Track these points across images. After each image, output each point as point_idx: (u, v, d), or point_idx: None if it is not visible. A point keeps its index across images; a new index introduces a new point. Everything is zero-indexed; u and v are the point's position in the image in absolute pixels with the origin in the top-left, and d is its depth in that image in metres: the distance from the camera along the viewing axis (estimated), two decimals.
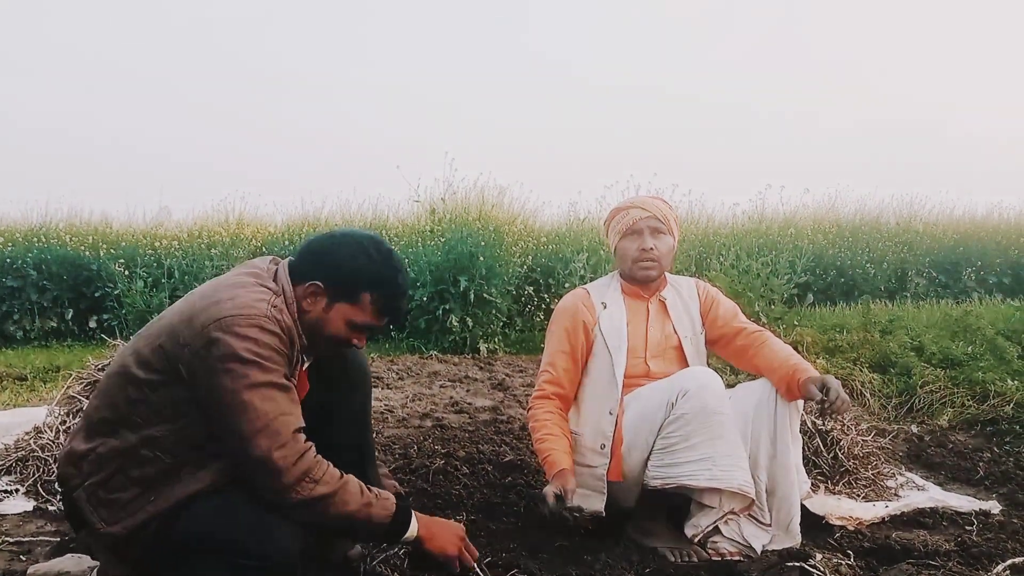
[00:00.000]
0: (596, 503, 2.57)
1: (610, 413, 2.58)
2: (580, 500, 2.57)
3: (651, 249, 2.66)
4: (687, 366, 2.67)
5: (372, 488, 1.92)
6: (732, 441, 2.40)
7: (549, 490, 2.43)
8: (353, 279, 1.96)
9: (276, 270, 1.98)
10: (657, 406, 2.44)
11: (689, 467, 2.39)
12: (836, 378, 2.50)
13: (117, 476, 1.83)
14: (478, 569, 2.11)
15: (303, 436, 1.83)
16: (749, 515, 2.49)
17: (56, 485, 2.95)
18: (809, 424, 3.26)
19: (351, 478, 1.89)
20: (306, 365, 2.07)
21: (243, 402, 1.74)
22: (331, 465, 1.86)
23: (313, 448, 1.84)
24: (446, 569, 2.04)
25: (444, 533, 2.03)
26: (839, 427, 3.39)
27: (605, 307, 2.71)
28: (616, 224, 2.76)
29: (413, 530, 1.95)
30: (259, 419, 1.75)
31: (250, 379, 1.75)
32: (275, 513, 1.81)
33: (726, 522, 2.46)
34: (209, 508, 1.82)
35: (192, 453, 1.85)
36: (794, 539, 2.48)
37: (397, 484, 2.43)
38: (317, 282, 1.94)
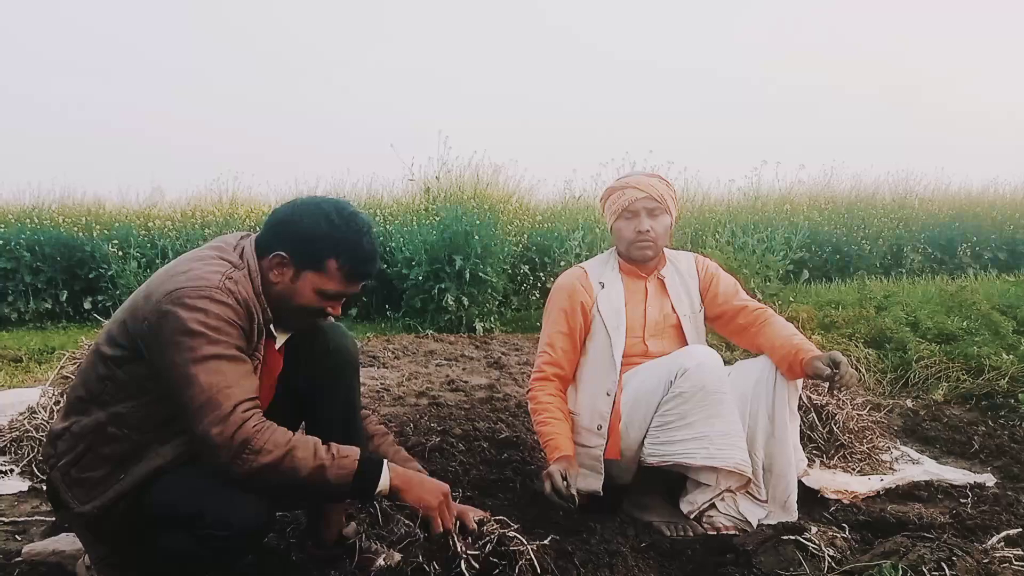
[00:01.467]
0: (593, 482, 2.57)
1: (607, 394, 2.56)
2: (578, 480, 2.58)
3: (647, 231, 2.61)
4: (686, 345, 2.66)
5: (332, 447, 1.82)
6: (730, 420, 2.39)
7: (554, 470, 2.42)
8: (316, 246, 1.90)
9: (244, 245, 1.94)
10: (656, 384, 2.43)
11: (685, 445, 2.39)
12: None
13: (88, 455, 1.82)
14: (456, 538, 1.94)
15: (246, 407, 1.75)
16: (746, 492, 2.49)
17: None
18: (804, 399, 3.26)
19: (302, 440, 1.79)
20: (280, 343, 2.04)
21: (188, 376, 1.71)
22: (278, 431, 1.77)
23: (255, 416, 1.76)
24: (429, 527, 1.92)
25: (424, 484, 1.94)
26: (834, 402, 3.39)
27: (603, 287, 2.68)
28: (612, 204, 2.70)
29: (385, 483, 1.85)
30: (202, 393, 1.71)
31: (196, 352, 1.72)
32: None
33: (722, 498, 2.46)
34: (173, 482, 1.81)
35: (157, 429, 1.84)
36: (791, 515, 2.48)
37: (410, 457, 2.32)
38: (281, 252, 1.90)
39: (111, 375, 1.82)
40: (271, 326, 1.97)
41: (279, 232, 1.93)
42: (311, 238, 1.90)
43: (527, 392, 2.73)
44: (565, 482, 2.40)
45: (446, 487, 1.98)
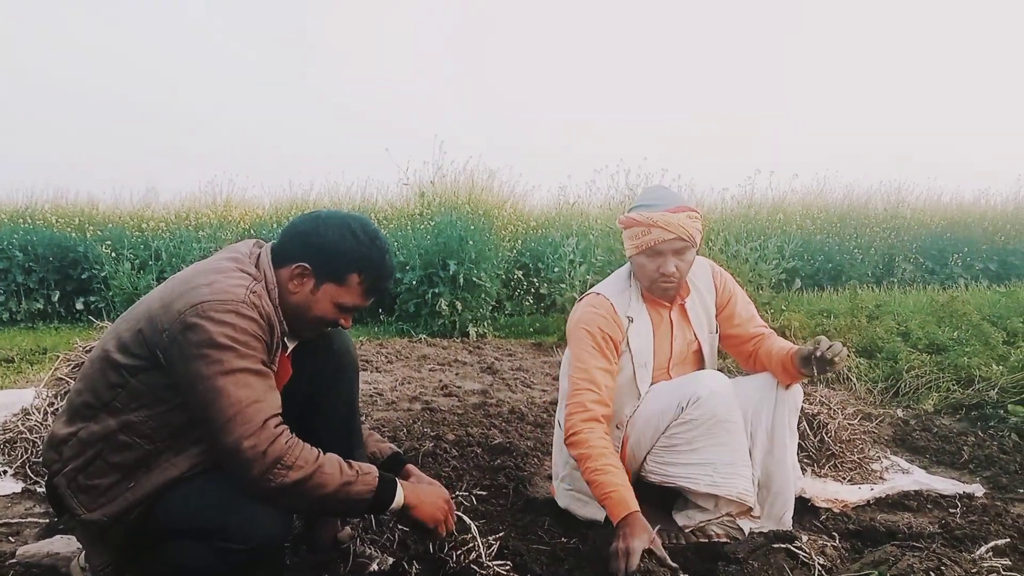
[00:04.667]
0: (597, 512, 2.56)
1: (618, 428, 2.55)
2: (578, 507, 2.60)
3: (672, 273, 2.45)
4: (703, 367, 2.65)
5: (354, 465, 1.88)
6: (737, 449, 2.39)
7: (637, 546, 2.09)
8: (341, 260, 1.94)
9: (259, 254, 1.96)
10: (666, 407, 2.42)
11: (689, 470, 2.40)
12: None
13: (96, 462, 1.82)
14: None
15: (276, 421, 1.80)
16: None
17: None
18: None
19: (328, 458, 1.85)
20: (289, 350, 2.06)
21: (217, 388, 1.72)
22: (306, 447, 1.82)
23: (286, 433, 1.81)
24: (433, 535, 2.07)
25: (430, 500, 2.03)
26: (826, 411, 3.42)
27: (631, 321, 2.55)
28: (634, 236, 2.48)
29: (399, 501, 1.94)
30: (231, 407, 1.73)
31: (225, 365, 1.73)
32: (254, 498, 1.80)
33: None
34: (191, 493, 1.82)
35: (171, 439, 1.84)
36: (786, 529, 2.48)
37: (394, 447, 2.38)
38: (304, 263, 1.92)
39: (124, 383, 1.82)
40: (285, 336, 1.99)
41: (302, 244, 1.95)
42: (336, 252, 1.94)
43: (569, 433, 2.38)
44: (654, 557, 2.10)
45: (447, 494, 2.09)
